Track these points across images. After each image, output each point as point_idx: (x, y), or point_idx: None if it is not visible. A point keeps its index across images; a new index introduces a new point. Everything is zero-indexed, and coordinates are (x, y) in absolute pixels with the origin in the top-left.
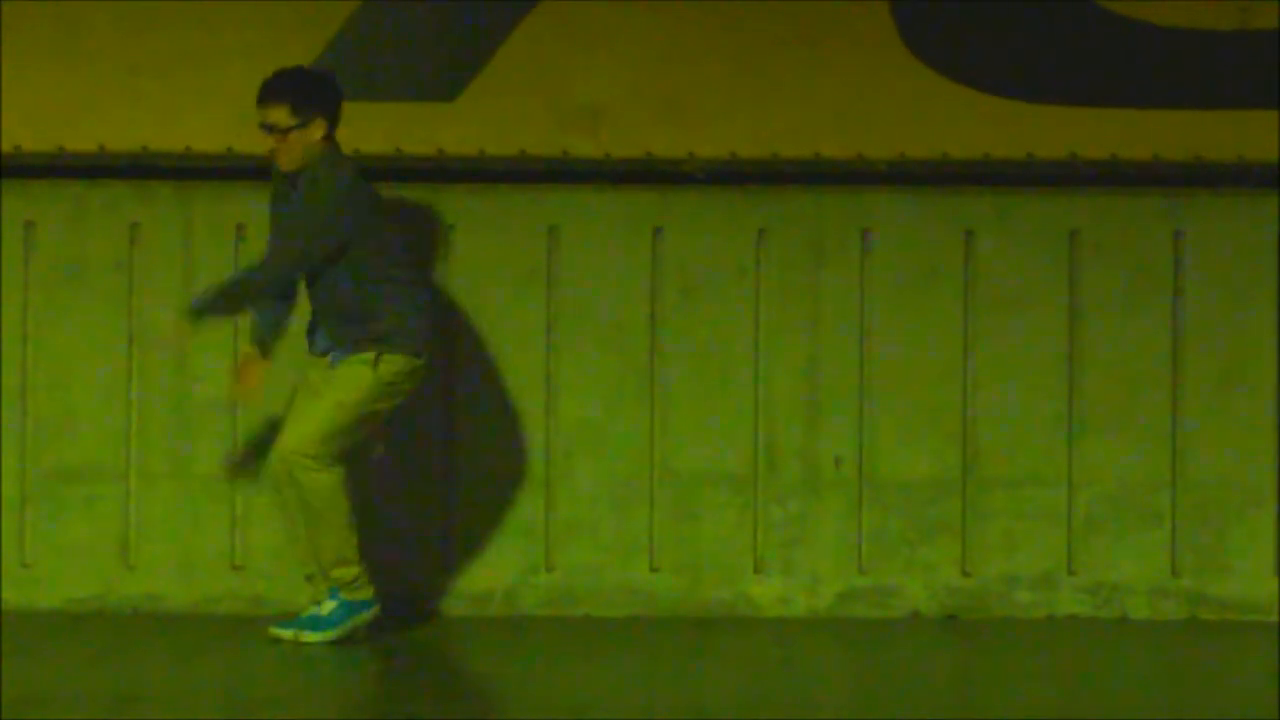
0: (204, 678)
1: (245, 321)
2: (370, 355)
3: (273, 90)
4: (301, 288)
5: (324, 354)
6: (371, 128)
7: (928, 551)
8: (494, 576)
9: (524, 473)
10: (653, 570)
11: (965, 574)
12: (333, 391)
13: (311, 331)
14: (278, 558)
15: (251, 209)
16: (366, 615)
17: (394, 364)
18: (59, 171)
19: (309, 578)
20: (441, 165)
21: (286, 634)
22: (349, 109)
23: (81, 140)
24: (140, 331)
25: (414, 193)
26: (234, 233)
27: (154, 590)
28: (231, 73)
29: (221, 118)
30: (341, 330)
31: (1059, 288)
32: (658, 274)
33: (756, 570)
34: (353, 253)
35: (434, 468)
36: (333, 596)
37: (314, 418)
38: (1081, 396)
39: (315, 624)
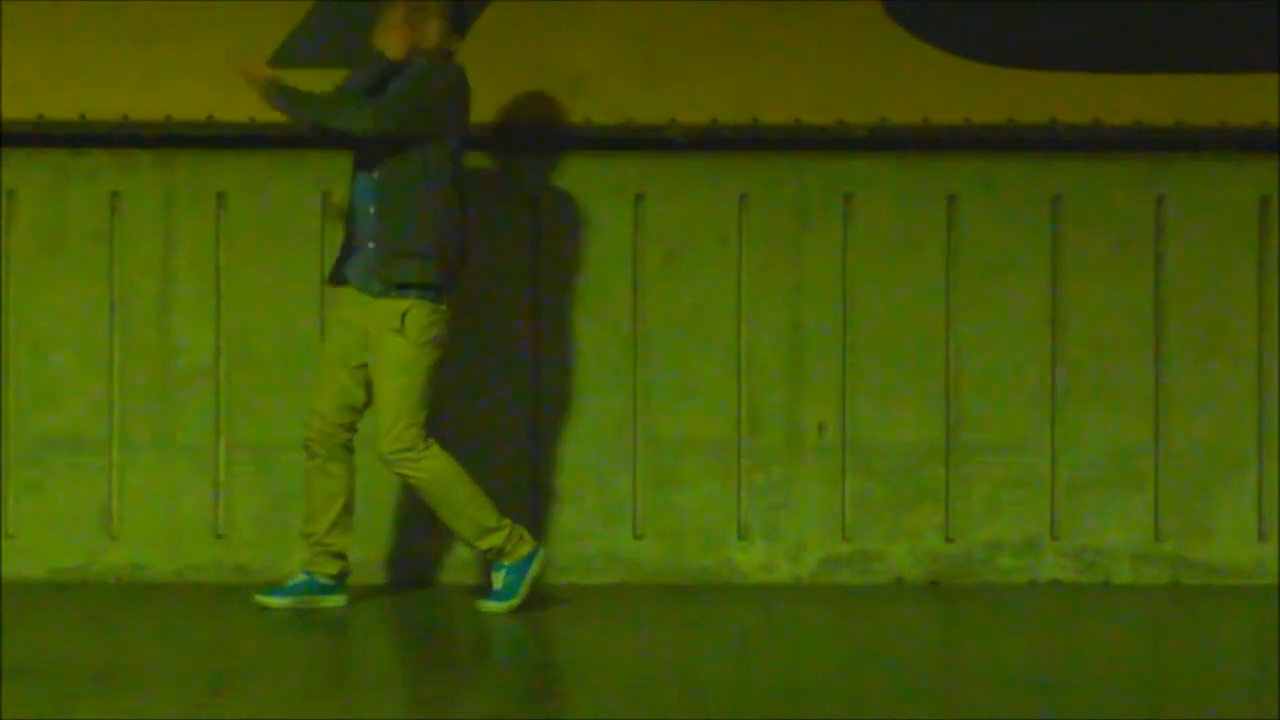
0: (188, 647)
1: (228, 292)
2: (396, 321)
3: None
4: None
5: (363, 284)
6: None
7: (911, 518)
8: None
9: (507, 440)
10: (636, 537)
11: (949, 540)
12: (387, 377)
13: (349, 255)
14: (261, 526)
15: (232, 177)
16: (536, 567)
17: (419, 320)
18: (40, 140)
19: (305, 536)
20: None
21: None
22: (330, 75)
23: (62, 109)
24: (121, 300)
25: None
26: (215, 201)
27: (137, 560)
28: (212, 42)
29: (202, 86)
30: (391, 245)
31: (1041, 253)
32: (640, 240)
33: (740, 537)
34: (437, 149)
35: None
36: (497, 568)
37: (387, 409)
38: (1064, 362)
39: (495, 597)
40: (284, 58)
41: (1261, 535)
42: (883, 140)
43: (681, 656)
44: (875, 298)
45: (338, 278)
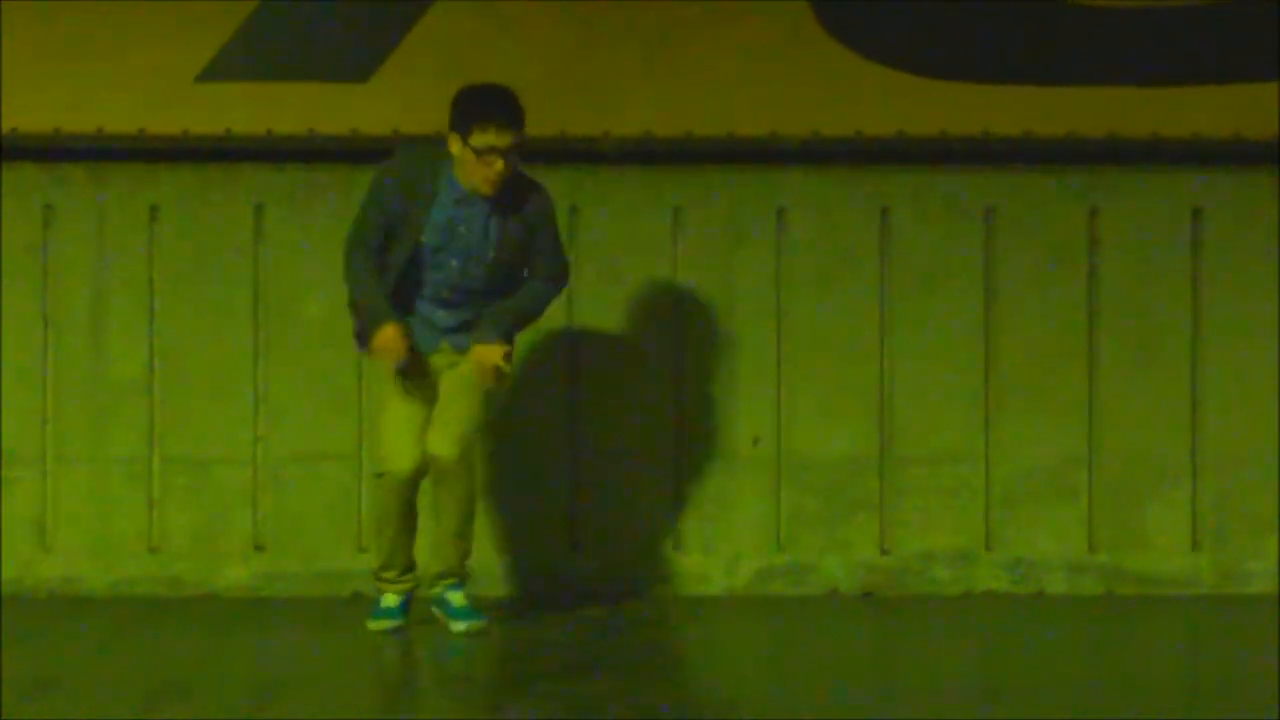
0: (123, 661)
1: (161, 306)
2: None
3: (518, 113)
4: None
5: (466, 345)
6: (285, 109)
7: (846, 529)
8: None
9: None
10: (572, 548)
11: (883, 551)
12: (474, 386)
13: (455, 330)
14: (195, 540)
15: (165, 191)
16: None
17: None
18: None
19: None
20: (355, 146)
21: (460, 627)
22: (262, 89)
23: None
24: (54, 314)
25: (328, 174)
26: (148, 214)
27: (71, 573)
28: (144, 54)
29: (134, 99)
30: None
31: (975, 265)
32: (574, 253)
33: (675, 548)
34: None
35: (349, 447)
36: (460, 588)
37: (472, 412)
38: (998, 373)
39: (467, 615)
40: (215, 71)
41: (1195, 545)
42: (816, 153)
43: (617, 668)
44: (809, 310)
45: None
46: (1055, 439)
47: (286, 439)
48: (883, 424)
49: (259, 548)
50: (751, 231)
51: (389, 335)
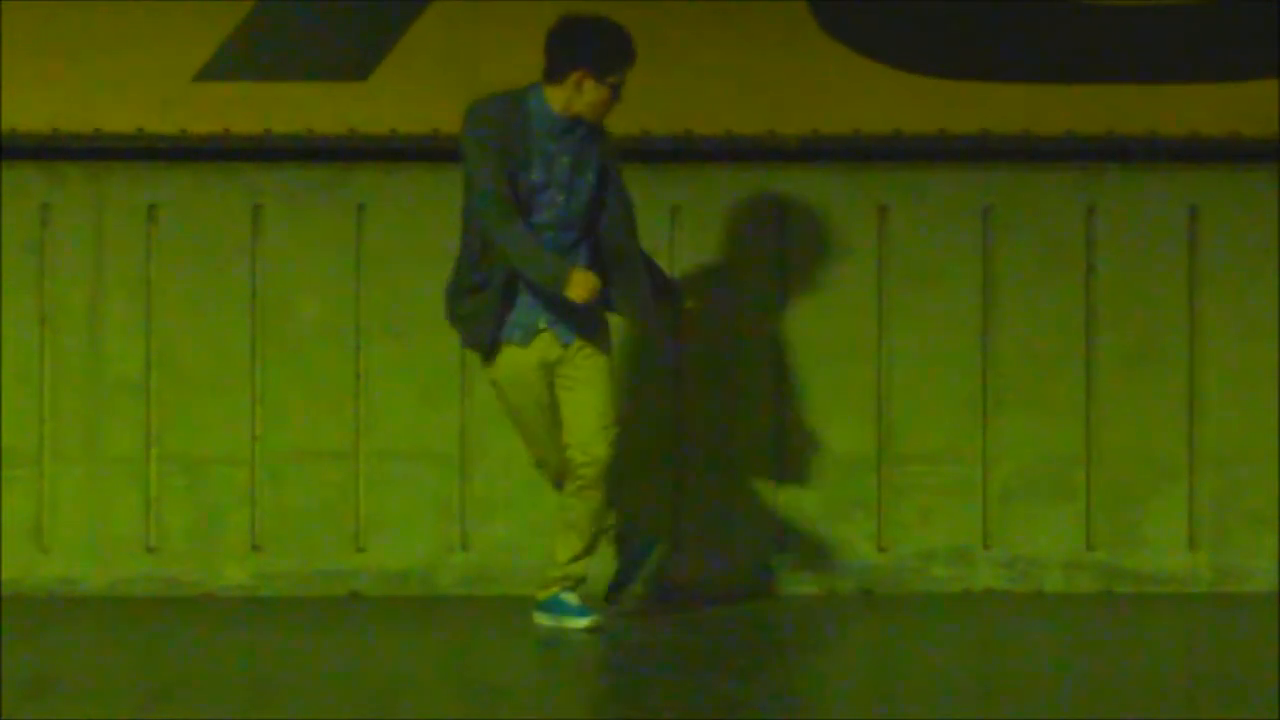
0: (121, 661)
1: (159, 305)
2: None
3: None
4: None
5: (573, 338)
6: (283, 108)
7: (844, 528)
8: (410, 556)
9: (439, 451)
10: None
11: (881, 550)
12: (605, 382)
13: (564, 312)
14: (192, 539)
15: (163, 190)
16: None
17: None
18: None
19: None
20: (353, 145)
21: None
22: (260, 88)
23: None
24: (52, 313)
25: (324, 172)
26: (145, 214)
27: (69, 573)
28: (142, 54)
29: (132, 99)
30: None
31: (973, 263)
32: None
33: (674, 547)
34: None
35: (346, 445)
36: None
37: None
38: (995, 372)
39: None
40: (213, 70)
41: (1192, 544)
42: (814, 151)
43: (615, 669)
44: (807, 308)
45: None
46: (1053, 437)
47: (284, 438)
48: (880, 422)
49: (257, 547)
50: (749, 230)
51: (583, 274)
